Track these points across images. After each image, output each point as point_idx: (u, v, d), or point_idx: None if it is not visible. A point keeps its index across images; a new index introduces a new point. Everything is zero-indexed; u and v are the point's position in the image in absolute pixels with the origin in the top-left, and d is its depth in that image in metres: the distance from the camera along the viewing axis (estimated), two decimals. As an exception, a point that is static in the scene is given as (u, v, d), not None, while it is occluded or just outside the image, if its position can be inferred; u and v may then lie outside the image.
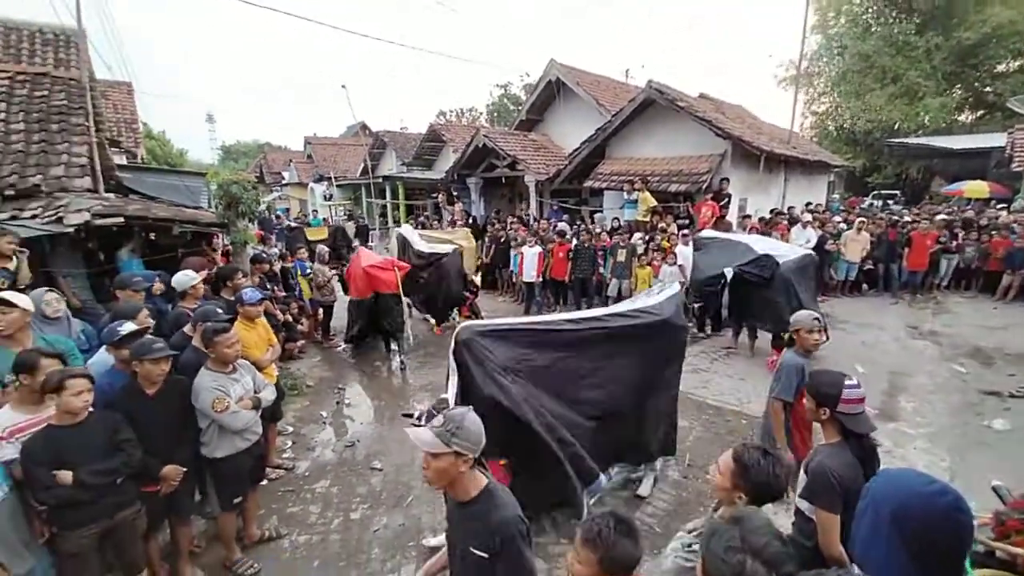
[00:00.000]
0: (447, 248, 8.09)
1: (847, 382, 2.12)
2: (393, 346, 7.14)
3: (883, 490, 1.32)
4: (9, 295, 2.91)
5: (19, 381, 2.53)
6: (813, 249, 9.03)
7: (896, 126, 20.93)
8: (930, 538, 1.21)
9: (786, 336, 5.74)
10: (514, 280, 10.22)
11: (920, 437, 4.67)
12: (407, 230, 8.80)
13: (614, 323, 3.50)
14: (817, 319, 3.24)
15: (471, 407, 1.76)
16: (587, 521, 1.52)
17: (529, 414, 3.09)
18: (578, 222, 11.58)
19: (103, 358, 3.09)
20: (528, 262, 9.02)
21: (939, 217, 10.01)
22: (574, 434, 3.35)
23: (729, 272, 6.40)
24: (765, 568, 1.16)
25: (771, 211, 10.33)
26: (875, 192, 21.18)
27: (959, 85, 22.11)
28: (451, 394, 3.03)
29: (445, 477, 1.68)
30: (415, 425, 1.73)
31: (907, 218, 10.40)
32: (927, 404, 5.32)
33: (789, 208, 11.06)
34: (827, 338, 5.68)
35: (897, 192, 20.54)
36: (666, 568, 1.80)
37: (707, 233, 7.62)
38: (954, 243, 9.48)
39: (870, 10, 23.60)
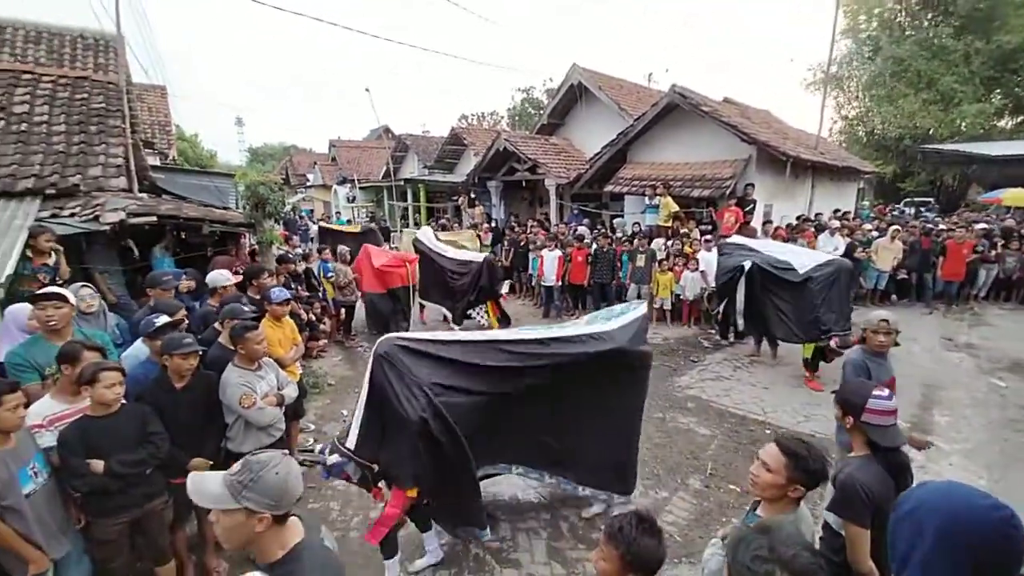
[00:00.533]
0: (479, 256, 8.23)
1: (875, 392, 2.05)
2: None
3: (929, 501, 1.22)
4: (63, 291, 3.02)
5: (60, 371, 2.63)
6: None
7: (930, 131, 20.25)
8: (978, 554, 1.13)
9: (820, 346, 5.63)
10: (532, 283, 10.21)
11: (955, 453, 4.48)
12: (425, 235, 8.89)
13: (556, 348, 3.03)
14: (885, 320, 3.27)
15: (285, 454, 1.47)
16: (611, 519, 1.56)
17: (457, 442, 2.77)
18: (599, 226, 11.53)
19: (138, 350, 3.20)
20: (548, 266, 9.00)
21: (979, 226, 9.64)
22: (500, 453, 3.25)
23: (747, 263, 6.17)
24: None
25: (797, 217, 10.11)
26: (908, 199, 20.52)
27: (998, 90, 21.29)
28: (356, 419, 2.76)
29: (236, 538, 1.33)
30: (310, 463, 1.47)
31: (942, 226, 10.03)
32: (963, 419, 5.11)
33: (816, 215, 10.80)
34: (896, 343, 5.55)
35: (931, 200, 19.87)
36: (712, 569, 1.76)
37: (735, 239, 7.39)
38: (993, 253, 9.11)
39: (904, 12, 22.96)
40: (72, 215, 4.88)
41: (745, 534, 1.25)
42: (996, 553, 1.13)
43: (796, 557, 1.15)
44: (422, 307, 8.85)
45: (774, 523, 1.38)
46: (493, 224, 13.48)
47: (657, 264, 8.36)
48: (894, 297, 9.55)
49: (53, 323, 2.93)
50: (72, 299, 3.06)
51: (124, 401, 2.65)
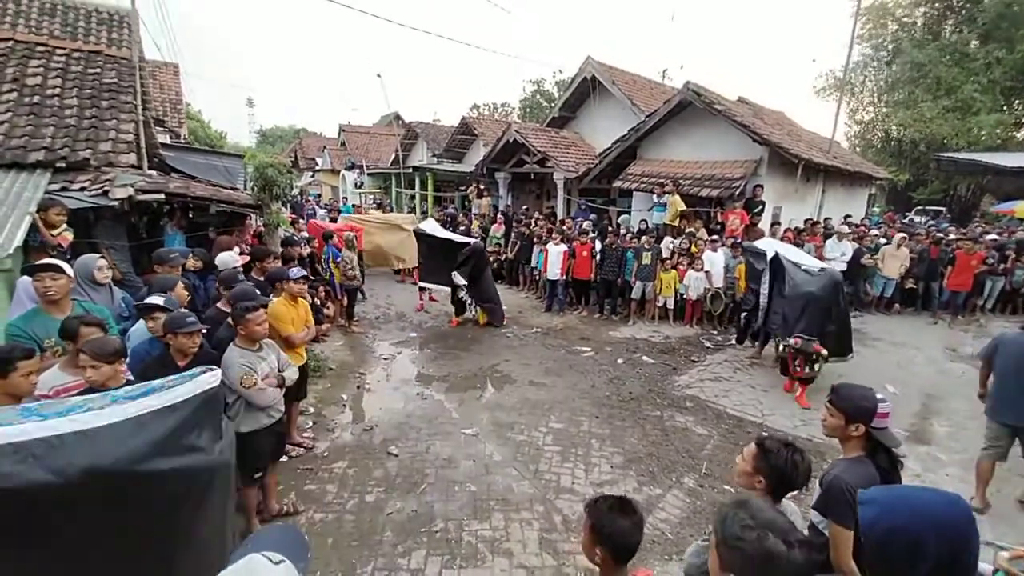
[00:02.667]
0: (470, 240, 8.58)
1: (878, 395, 2.06)
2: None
3: (908, 518, 1.28)
4: (58, 262, 3.05)
5: (64, 346, 2.66)
6: (848, 263, 8.81)
7: (946, 140, 19.99)
8: (954, 553, 1.23)
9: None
10: (536, 276, 10.21)
11: (952, 464, 4.47)
12: (430, 225, 9.26)
13: None
14: None
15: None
16: (595, 496, 1.68)
17: None
18: (604, 220, 11.49)
19: (143, 326, 3.22)
20: (552, 260, 8.98)
21: (988, 237, 9.54)
22: None
23: (771, 252, 6.32)
24: (783, 540, 1.18)
25: (805, 221, 10.03)
26: (919, 207, 20.32)
27: (1018, 101, 20.96)
28: None
29: None
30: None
31: (952, 236, 9.91)
32: (963, 430, 5.08)
33: (826, 219, 10.71)
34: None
35: (943, 209, 19.66)
36: (688, 552, 1.86)
37: (763, 243, 7.04)
38: (1001, 266, 9.02)
39: (925, 17, 22.59)
40: (82, 189, 4.92)
41: (726, 511, 1.32)
42: (963, 548, 1.24)
43: (775, 519, 1.24)
44: (422, 291, 9.24)
45: (747, 497, 1.47)
46: (502, 214, 13.46)
47: (661, 263, 8.34)
48: (898, 306, 9.49)
49: (51, 294, 2.94)
50: (69, 271, 3.06)
51: (131, 378, 2.67)
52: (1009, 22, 19.93)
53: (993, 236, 9.92)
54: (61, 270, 2.99)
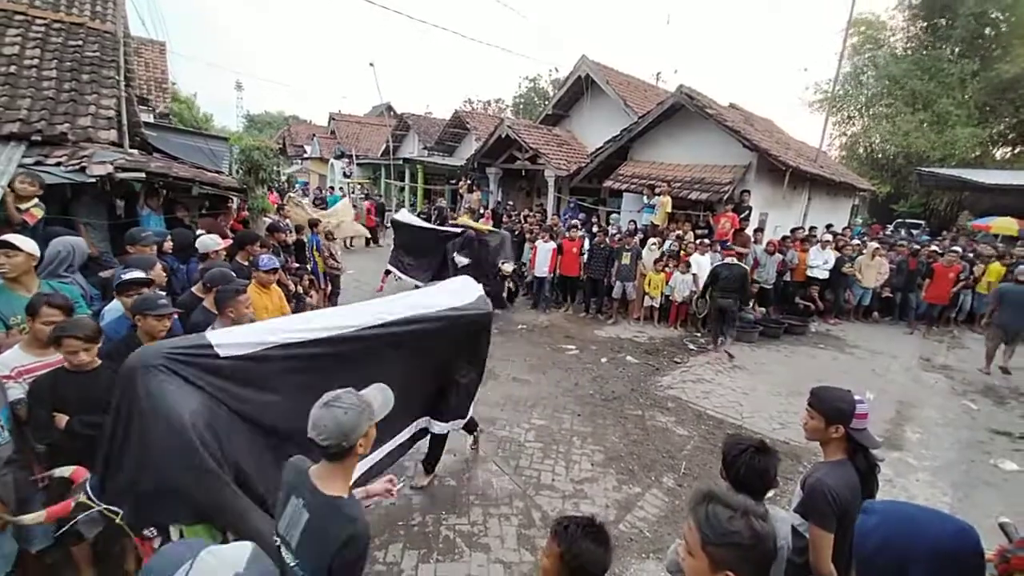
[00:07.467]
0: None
1: (855, 396, 2.08)
2: None
3: (905, 535, 1.23)
4: (14, 238, 2.87)
5: (26, 324, 2.55)
6: (830, 271, 8.97)
7: (922, 153, 20.45)
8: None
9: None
10: (523, 273, 10.19)
11: (923, 470, 4.58)
12: (404, 215, 9.59)
13: None
14: None
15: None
16: (561, 517, 1.59)
17: None
18: (593, 219, 11.52)
19: (117, 305, 3.12)
20: (541, 257, 8.97)
21: (954, 248, 9.78)
22: None
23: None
24: (756, 516, 1.23)
25: (792, 229, 10.19)
26: (899, 220, 20.76)
27: (1003, 118, 21.50)
28: None
29: None
30: None
31: (934, 247, 10.06)
32: (934, 437, 5.21)
33: (811, 228, 10.89)
34: None
35: (922, 222, 20.11)
36: (670, 549, 1.85)
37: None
38: (972, 278, 9.25)
39: (903, 34, 23.19)
40: (58, 164, 4.74)
41: (702, 511, 1.32)
42: (971, 572, 1.17)
43: (744, 500, 1.30)
44: (387, 273, 9.19)
45: (704, 486, 1.52)
46: (493, 210, 13.43)
47: (641, 262, 8.41)
48: (876, 314, 9.69)
49: (5, 271, 2.81)
50: (27, 248, 2.89)
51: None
52: (986, 41, 20.50)
53: (957, 248, 10.10)
54: (16, 247, 2.83)
